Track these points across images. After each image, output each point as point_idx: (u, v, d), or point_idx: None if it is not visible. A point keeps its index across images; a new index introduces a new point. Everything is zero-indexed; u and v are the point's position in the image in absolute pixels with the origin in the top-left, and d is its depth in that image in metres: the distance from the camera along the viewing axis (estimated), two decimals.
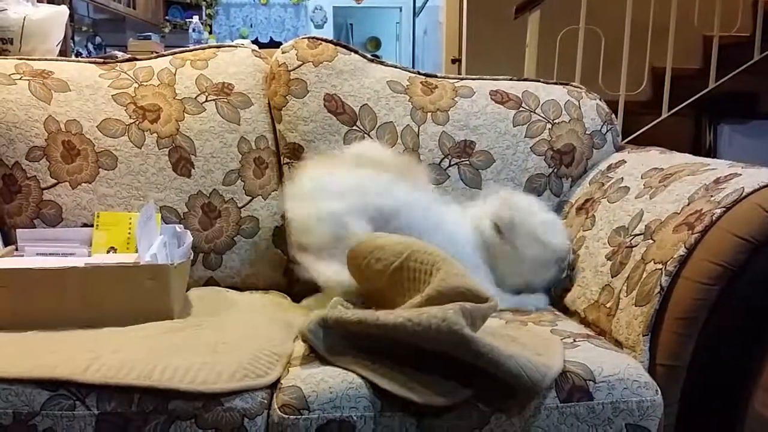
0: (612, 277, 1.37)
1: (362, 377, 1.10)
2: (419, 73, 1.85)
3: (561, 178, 1.77)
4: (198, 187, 1.67)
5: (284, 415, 1.08)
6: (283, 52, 1.77)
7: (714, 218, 1.21)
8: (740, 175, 1.29)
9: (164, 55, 1.81)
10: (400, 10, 8.63)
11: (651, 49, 3.34)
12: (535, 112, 1.80)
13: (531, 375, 1.07)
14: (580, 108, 1.83)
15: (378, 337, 1.13)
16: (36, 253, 1.47)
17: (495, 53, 3.74)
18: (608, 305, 1.34)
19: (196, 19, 6.07)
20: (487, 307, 1.15)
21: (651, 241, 1.30)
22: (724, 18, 3.34)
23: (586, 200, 1.65)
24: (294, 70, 1.74)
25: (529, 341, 1.18)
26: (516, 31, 3.39)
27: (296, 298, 1.66)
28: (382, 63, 1.84)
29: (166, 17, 7.23)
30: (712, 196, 1.26)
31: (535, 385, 1.07)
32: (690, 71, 3.69)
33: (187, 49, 1.84)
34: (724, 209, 1.21)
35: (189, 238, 1.53)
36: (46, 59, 1.76)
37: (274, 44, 7.46)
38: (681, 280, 1.20)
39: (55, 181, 1.59)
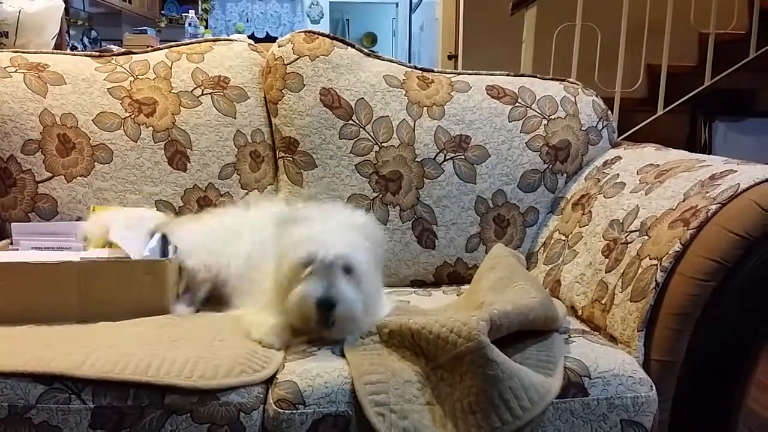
0: (606, 273, 1.37)
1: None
2: (416, 68, 1.85)
3: (556, 174, 1.77)
4: (194, 181, 1.66)
5: (280, 410, 1.08)
6: (279, 46, 1.77)
7: (709, 214, 1.21)
8: (735, 171, 1.29)
9: (160, 49, 1.80)
10: (397, 6, 8.60)
11: (647, 46, 3.34)
12: (531, 108, 1.80)
13: (530, 395, 1.08)
14: (576, 104, 1.82)
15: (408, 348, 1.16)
16: (31, 247, 1.46)
17: (491, 49, 3.73)
18: (603, 301, 1.34)
19: (192, 13, 6.04)
20: (519, 312, 1.17)
21: (646, 237, 1.31)
22: (721, 15, 3.33)
23: (582, 196, 1.65)
24: (290, 63, 1.73)
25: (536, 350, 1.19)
26: (512, 27, 3.38)
27: None
28: (378, 57, 1.83)
29: (162, 11, 7.19)
30: (707, 192, 1.26)
31: (532, 407, 1.08)
32: (686, 68, 3.70)
33: (183, 42, 1.84)
34: (719, 205, 1.21)
35: None
36: (41, 52, 1.75)
37: (270, 39, 7.42)
38: (676, 276, 1.20)
39: (51, 174, 1.59)
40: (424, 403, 1.10)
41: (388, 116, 1.74)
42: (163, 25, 6.99)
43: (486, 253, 1.69)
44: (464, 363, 1.08)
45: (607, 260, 1.39)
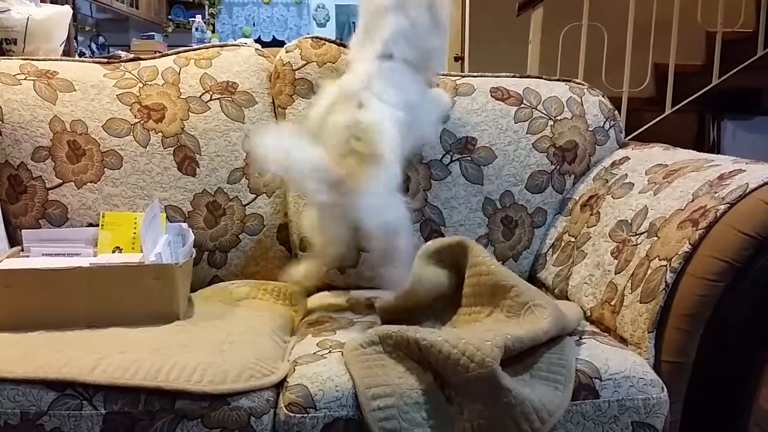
0: (615, 274, 1.37)
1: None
2: None
3: (564, 175, 1.77)
4: (203, 186, 1.67)
5: (291, 414, 1.08)
6: (287, 51, 1.77)
7: (718, 214, 1.21)
8: (744, 171, 1.29)
9: (168, 55, 1.81)
10: None
11: (654, 45, 3.34)
12: (536, 109, 1.79)
13: (541, 416, 1.07)
14: (582, 104, 1.82)
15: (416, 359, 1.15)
16: (42, 254, 1.47)
17: (498, 50, 3.73)
18: (612, 302, 1.34)
19: (199, 18, 6.09)
20: (534, 337, 1.16)
21: (655, 238, 1.30)
22: (728, 14, 3.33)
23: (591, 197, 1.65)
24: (299, 69, 1.74)
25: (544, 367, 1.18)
26: (519, 28, 3.39)
27: None
28: None
29: (169, 17, 7.24)
30: (716, 192, 1.26)
31: (542, 426, 1.07)
32: (693, 67, 3.69)
33: (191, 48, 1.85)
34: (728, 205, 1.21)
35: (191, 236, 1.53)
36: (50, 59, 1.76)
37: (276, 43, 7.46)
38: (686, 277, 1.20)
39: (61, 181, 1.60)
40: (432, 427, 1.09)
41: None
42: (170, 30, 7.04)
43: (494, 254, 1.69)
44: (475, 388, 1.07)
45: (616, 261, 1.38)
